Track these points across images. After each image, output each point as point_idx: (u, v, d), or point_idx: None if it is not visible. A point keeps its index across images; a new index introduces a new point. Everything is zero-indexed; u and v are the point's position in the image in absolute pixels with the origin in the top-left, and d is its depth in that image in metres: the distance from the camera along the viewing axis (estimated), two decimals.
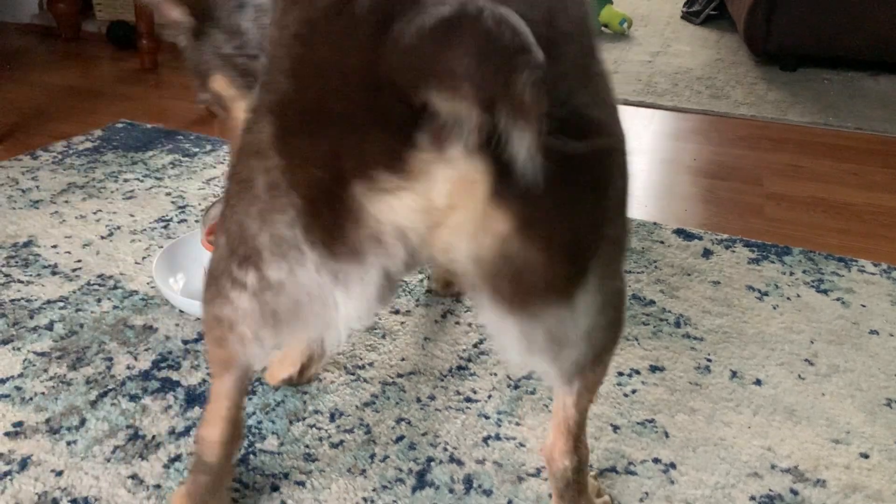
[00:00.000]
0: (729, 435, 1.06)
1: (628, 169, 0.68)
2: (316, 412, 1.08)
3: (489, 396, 1.12)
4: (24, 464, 0.96)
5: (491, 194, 0.55)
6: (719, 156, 2.20)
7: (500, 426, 1.07)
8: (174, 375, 1.14)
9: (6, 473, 0.95)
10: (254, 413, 1.07)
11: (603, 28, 3.60)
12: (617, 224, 0.68)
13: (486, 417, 1.08)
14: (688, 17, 3.97)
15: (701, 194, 1.94)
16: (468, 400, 1.12)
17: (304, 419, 1.06)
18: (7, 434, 1.01)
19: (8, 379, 1.11)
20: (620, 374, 1.18)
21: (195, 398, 1.09)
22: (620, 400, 1.13)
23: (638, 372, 1.19)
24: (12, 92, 2.46)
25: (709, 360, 1.22)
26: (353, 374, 1.16)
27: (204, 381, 1.13)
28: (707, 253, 1.58)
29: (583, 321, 0.67)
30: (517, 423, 1.07)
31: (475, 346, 1.24)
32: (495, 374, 1.17)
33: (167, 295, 1.28)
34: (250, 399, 1.09)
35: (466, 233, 0.56)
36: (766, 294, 1.42)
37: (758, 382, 1.17)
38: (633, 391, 1.15)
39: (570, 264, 0.62)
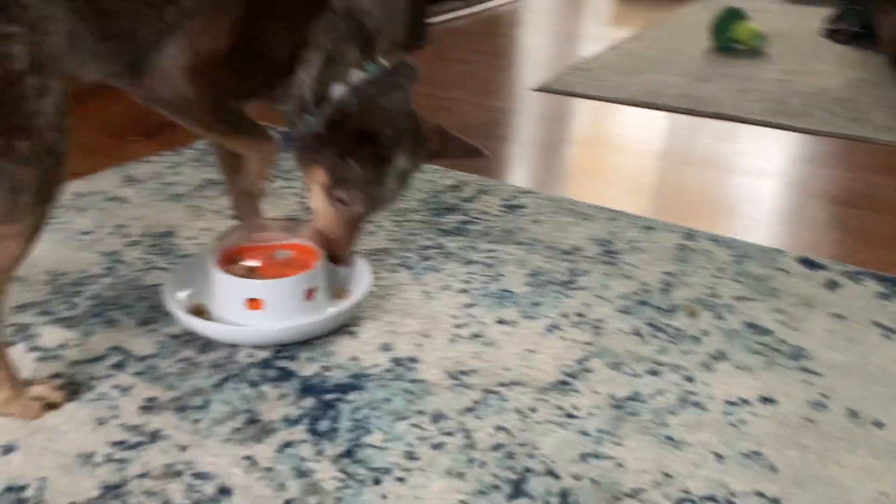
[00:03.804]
0: (842, 476, 1.02)
1: None
2: (419, 412, 1.11)
3: (591, 414, 1.13)
4: (154, 436, 1.05)
5: None
6: (854, 182, 2.09)
7: (599, 444, 1.07)
8: (291, 365, 1.21)
9: (139, 443, 1.04)
10: (360, 408, 1.12)
11: (734, 44, 3.49)
12: None
13: (586, 434, 1.08)
14: (830, 34, 3.77)
15: (831, 222, 1.85)
16: (569, 416, 1.12)
17: (407, 418, 1.10)
18: (141, 408, 1.10)
19: (145, 357, 1.21)
20: (728, 402, 1.16)
21: (308, 388, 1.16)
22: (726, 429, 1.10)
23: (747, 402, 1.16)
24: None
25: (825, 397, 1.17)
26: (456, 378, 1.19)
27: (317, 373, 1.19)
28: (832, 284, 1.51)
29: None
30: (617, 444, 1.07)
31: (579, 362, 1.24)
32: (598, 393, 1.17)
33: (171, 309, 1.28)
34: (359, 393, 1.14)
35: None
36: (893, 332, 1.35)
37: (878, 424, 1.11)
38: (741, 421, 1.12)
39: None
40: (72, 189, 1.79)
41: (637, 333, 1.33)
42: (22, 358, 1.18)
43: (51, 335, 1.26)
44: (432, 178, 1.97)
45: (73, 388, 1.13)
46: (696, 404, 1.15)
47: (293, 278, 1.27)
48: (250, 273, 1.31)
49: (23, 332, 1.26)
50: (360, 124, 1.23)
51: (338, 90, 1.24)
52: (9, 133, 0.94)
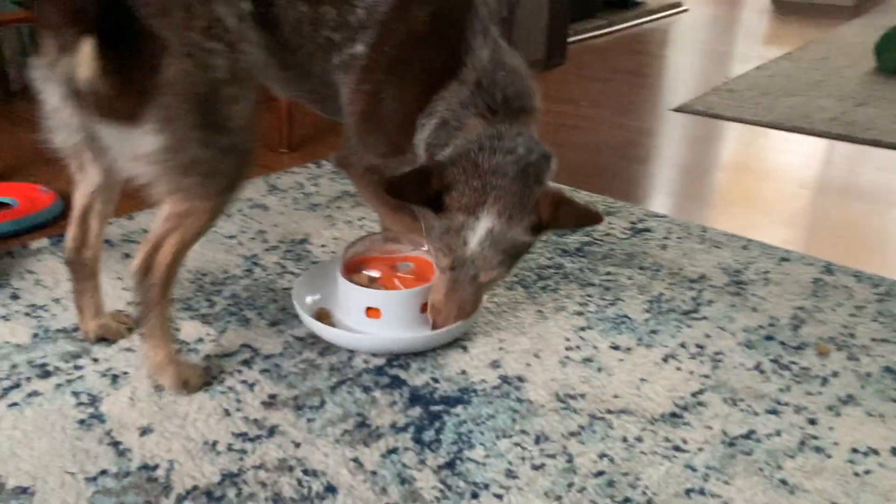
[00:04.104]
0: None
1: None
2: (522, 432, 1.12)
3: (700, 449, 1.09)
4: (272, 431, 1.12)
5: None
6: None
7: (706, 481, 1.03)
8: (402, 374, 1.25)
9: (258, 436, 1.11)
10: (465, 422, 1.14)
11: None
12: (173, 92, 1.04)
13: (693, 470, 1.05)
14: None
15: None
16: (677, 449, 1.09)
17: (510, 436, 1.11)
18: (263, 403, 1.18)
19: (271, 356, 1.30)
20: (855, 450, 1.08)
21: (418, 398, 1.19)
22: (849, 478, 1.03)
23: (876, 452, 1.08)
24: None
25: None
26: (563, 402, 1.19)
27: (427, 384, 1.23)
28: None
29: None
30: (725, 482, 1.03)
31: (694, 395, 1.21)
32: (710, 428, 1.13)
33: (298, 312, 1.34)
34: (465, 407, 1.17)
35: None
36: None
37: None
38: (867, 472, 1.04)
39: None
40: None
41: (759, 369, 1.27)
42: None
43: (190, 329, 1.37)
44: None
45: (205, 380, 1.23)
46: (818, 449, 1.09)
47: (410, 290, 1.32)
48: (372, 282, 1.37)
49: None
50: (426, 174, 1.21)
51: (448, 149, 1.24)
52: (210, 128, 1.09)
